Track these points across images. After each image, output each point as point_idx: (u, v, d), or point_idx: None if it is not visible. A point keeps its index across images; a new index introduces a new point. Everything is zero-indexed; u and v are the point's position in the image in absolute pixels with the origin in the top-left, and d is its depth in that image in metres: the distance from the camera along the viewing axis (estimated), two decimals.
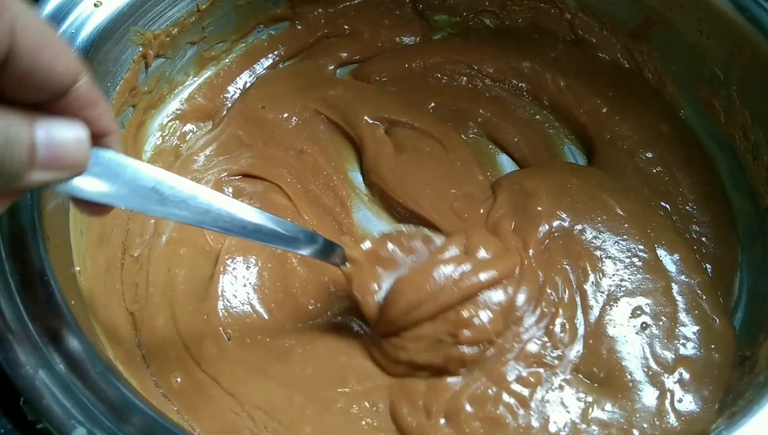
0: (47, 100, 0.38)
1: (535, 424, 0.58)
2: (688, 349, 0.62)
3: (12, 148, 0.34)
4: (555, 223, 0.69)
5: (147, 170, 0.45)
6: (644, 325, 0.63)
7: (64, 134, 0.38)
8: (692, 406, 0.59)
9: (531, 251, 0.67)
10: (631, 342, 0.62)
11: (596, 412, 0.59)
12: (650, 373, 0.61)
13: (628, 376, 0.61)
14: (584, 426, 0.58)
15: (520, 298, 0.64)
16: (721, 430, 0.47)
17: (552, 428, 0.58)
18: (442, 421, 0.58)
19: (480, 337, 0.60)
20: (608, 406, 0.59)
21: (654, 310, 0.64)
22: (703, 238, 0.71)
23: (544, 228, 0.69)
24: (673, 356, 0.62)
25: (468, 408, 0.58)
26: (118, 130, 0.43)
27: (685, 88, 0.79)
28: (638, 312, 0.64)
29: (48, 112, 0.38)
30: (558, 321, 0.63)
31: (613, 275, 0.66)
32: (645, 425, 0.58)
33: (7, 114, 0.35)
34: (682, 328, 0.63)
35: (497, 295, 0.62)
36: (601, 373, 0.61)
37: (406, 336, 0.61)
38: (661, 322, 0.64)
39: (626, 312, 0.64)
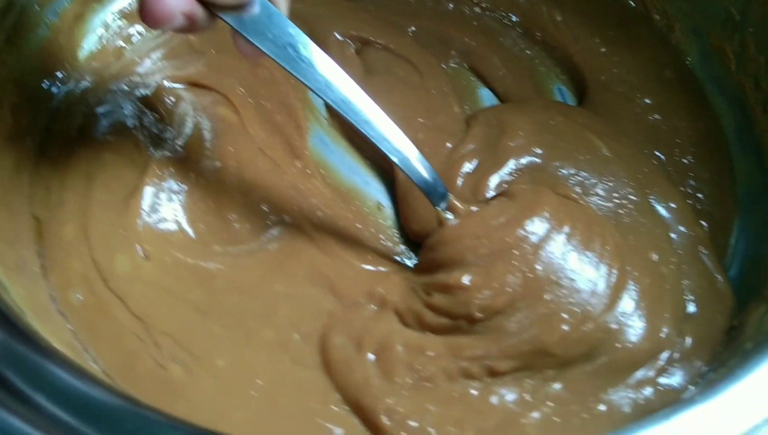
0: None
1: (473, 392, 0.50)
2: (692, 309, 0.54)
3: None
4: (524, 160, 0.60)
5: (287, 27, 0.49)
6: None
7: None
8: (678, 379, 0.50)
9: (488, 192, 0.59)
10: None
11: (555, 388, 0.50)
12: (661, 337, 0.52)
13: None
14: (535, 402, 0.50)
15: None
16: (693, 394, 0.39)
17: (493, 400, 0.49)
18: (371, 356, 0.51)
19: (456, 310, 0.51)
20: (575, 375, 0.51)
21: (658, 259, 0.55)
22: (699, 194, 0.63)
23: (508, 167, 0.60)
24: (682, 317, 0.53)
25: (399, 349, 0.50)
26: None
27: (695, 32, 0.70)
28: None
29: None
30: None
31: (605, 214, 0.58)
32: (614, 397, 0.50)
33: None
34: (686, 282, 0.55)
35: (549, 252, 0.52)
36: None
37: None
38: (667, 274, 0.55)
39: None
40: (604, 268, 0.52)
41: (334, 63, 0.51)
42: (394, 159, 0.53)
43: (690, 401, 0.37)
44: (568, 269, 0.52)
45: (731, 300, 0.55)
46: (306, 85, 0.50)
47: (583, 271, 0.52)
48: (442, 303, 0.52)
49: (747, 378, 0.37)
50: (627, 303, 0.52)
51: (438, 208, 0.55)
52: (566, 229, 0.53)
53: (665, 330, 0.52)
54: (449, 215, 0.55)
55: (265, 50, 0.48)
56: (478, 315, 0.50)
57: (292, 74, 0.49)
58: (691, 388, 0.47)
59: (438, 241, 0.55)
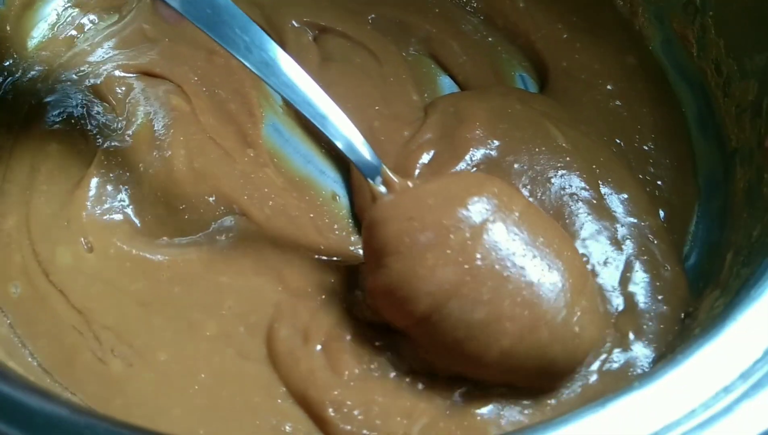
0: None
1: (420, 385, 0.48)
2: (635, 301, 0.53)
3: None
4: (479, 154, 0.58)
5: None
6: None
7: None
8: (625, 369, 0.50)
9: None
10: None
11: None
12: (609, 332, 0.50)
13: None
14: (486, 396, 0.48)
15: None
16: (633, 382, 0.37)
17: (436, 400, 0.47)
18: (318, 348, 0.49)
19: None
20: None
21: (599, 257, 0.54)
22: (659, 182, 0.62)
23: (464, 162, 0.58)
24: (617, 311, 0.52)
25: (347, 339, 0.49)
26: None
27: (658, 18, 0.70)
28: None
29: None
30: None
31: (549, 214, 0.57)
32: (565, 392, 0.49)
33: None
34: (629, 275, 0.54)
35: (495, 237, 0.45)
36: None
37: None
38: (605, 270, 0.54)
39: None
40: (566, 255, 0.47)
41: (255, 25, 0.49)
42: (315, 123, 0.51)
43: (628, 389, 0.36)
44: (519, 256, 0.45)
45: (683, 289, 0.53)
46: (226, 49, 0.48)
47: (537, 260, 0.45)
48: (369, 303, 0.50)
49: (685, 364, 0.36)
50: (587, 299, 0.47)
51: (371, 182, 0.50)
52: (519, 207, 0.47)
53: (613, 324, 0.51)
54: (383, 189, 0.50)
55: (183, 12, 0.47)
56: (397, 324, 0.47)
57: (212, 38, 0.48)
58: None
59: (369, 224, 0.49)
